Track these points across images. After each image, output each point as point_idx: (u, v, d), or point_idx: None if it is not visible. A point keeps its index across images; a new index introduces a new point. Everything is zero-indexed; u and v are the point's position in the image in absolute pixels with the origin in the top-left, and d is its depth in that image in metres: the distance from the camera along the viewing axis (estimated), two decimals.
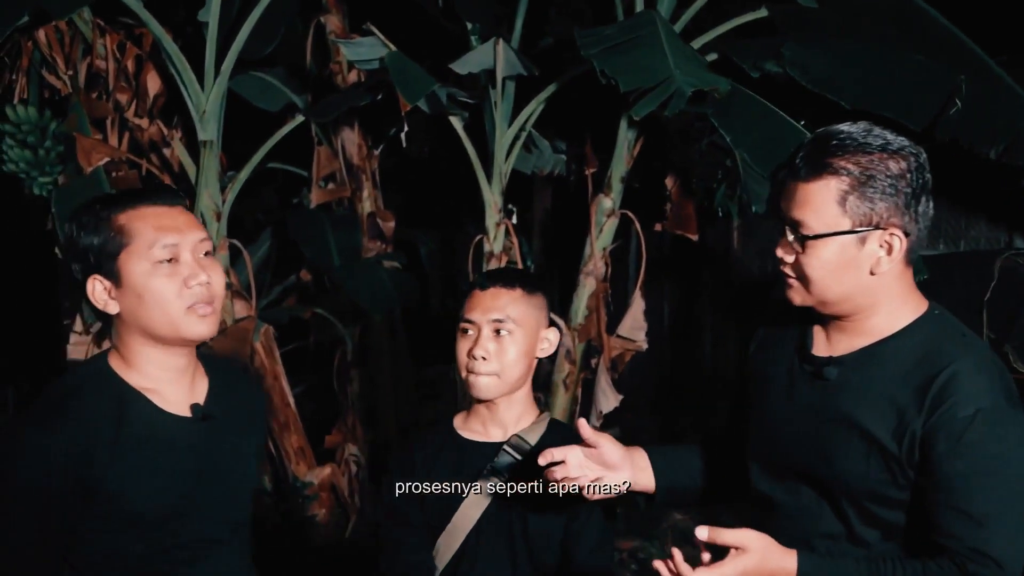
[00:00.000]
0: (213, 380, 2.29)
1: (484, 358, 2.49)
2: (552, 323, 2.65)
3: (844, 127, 2.04)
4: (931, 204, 2.04)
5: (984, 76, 4.38)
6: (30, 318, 9.15)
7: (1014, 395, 2.00)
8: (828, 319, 2.15)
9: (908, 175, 1.98)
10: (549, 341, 2.61)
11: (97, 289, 2.10)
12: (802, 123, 4.48)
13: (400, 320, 6.18)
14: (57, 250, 4.68)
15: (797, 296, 2.10)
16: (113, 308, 2.10)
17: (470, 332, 2.54)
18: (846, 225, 1.97)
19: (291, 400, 5.56)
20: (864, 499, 2.03)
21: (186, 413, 2.18)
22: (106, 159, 4.83)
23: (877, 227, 1.98)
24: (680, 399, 8.33)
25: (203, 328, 2.12)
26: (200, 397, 2.23)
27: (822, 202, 1.98)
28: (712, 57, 4.80)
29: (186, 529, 2.15)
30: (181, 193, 2.28)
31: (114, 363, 2.16)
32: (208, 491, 2.19)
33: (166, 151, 5.30)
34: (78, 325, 4.82)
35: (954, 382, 1.94)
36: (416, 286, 5.77)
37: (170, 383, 2.17)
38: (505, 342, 2.50)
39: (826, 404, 2.10)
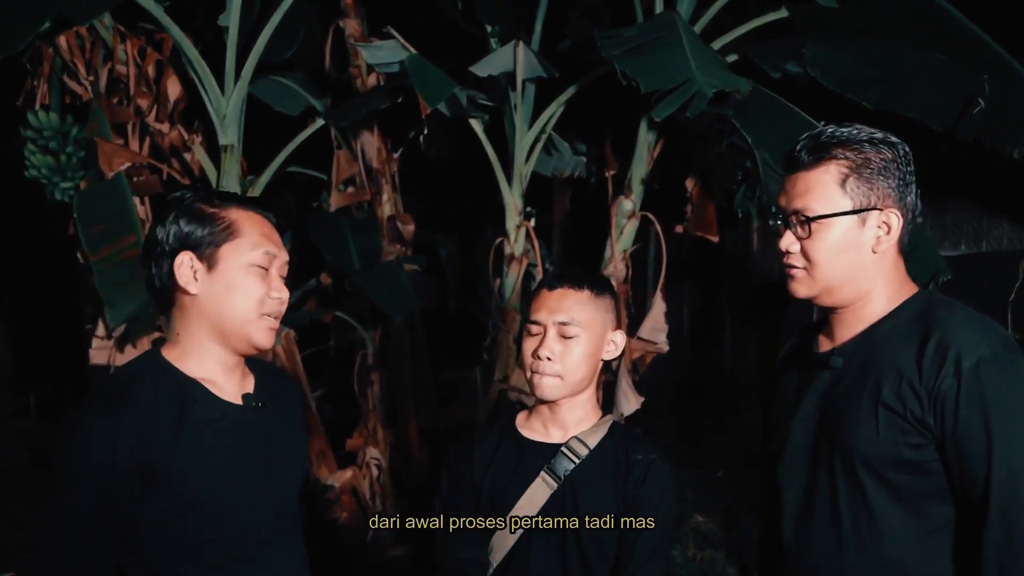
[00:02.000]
0: (258, 377, 2.37)
1: (548, 359, 2.47)
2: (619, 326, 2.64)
3: (832, 126, 2.19)
4: (918, 198, 2.17)
5: (1007, 76, 4.36)
6: (52, 323, 9.21)
7: (1011, 343, 2.06)
8: (828, 316, 2.25)
9: (897, 161, 2.12)
10: (615, 344, 2.59)
11: (185, 264, 2.16)
12: (823, 123, 4.46)
13: (420, 323, 6.19)
14: (79, 255, 4.70)
15: (802, 287, 2.19)
16: (194, 288, 2.17)
17: (536, 332, 2.52)
18: (848, 206, 2.10)
19: (312, 403, 5.57)
20: (877, 464, 2.08)
21: (239, 402, 2.25)
22: (127, 164, 4.85)
23: (875, 208, 2.10)
24: (700, 401, 8.33)
25: (268, 338, 2.23)
26: (250, 390, 2.31)
27: (825, 185, 2.12)
28: (732, 58, 4.80)
29: (243, 517, 2.20)
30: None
31: (169, 356, 2.21)
32: (263, 480, 2.25)
33: (187, 155, 5.32)
34: (100, 330, 4.83)
35: (950, 338, 2.02)
36: (436, 289, 5.77)
37: (224, 376, 2.24)
38: (570, 344, 2.48)
39: (836, 387, 2.18)
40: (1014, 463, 1.95)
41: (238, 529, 2.19)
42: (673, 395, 8.35)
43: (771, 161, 4.37)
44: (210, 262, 2.17)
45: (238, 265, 2.17)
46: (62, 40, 5.03)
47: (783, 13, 4.85)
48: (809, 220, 2.11)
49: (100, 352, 4.84)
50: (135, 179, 5.00)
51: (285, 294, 2.24)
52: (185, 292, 2.18)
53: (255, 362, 2.42)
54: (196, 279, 2.17)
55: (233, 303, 2.17)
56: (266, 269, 2.21)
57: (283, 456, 2.34)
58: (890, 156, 2.11)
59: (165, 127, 5.25)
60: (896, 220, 2.10)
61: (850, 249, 2.11)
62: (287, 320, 5.52)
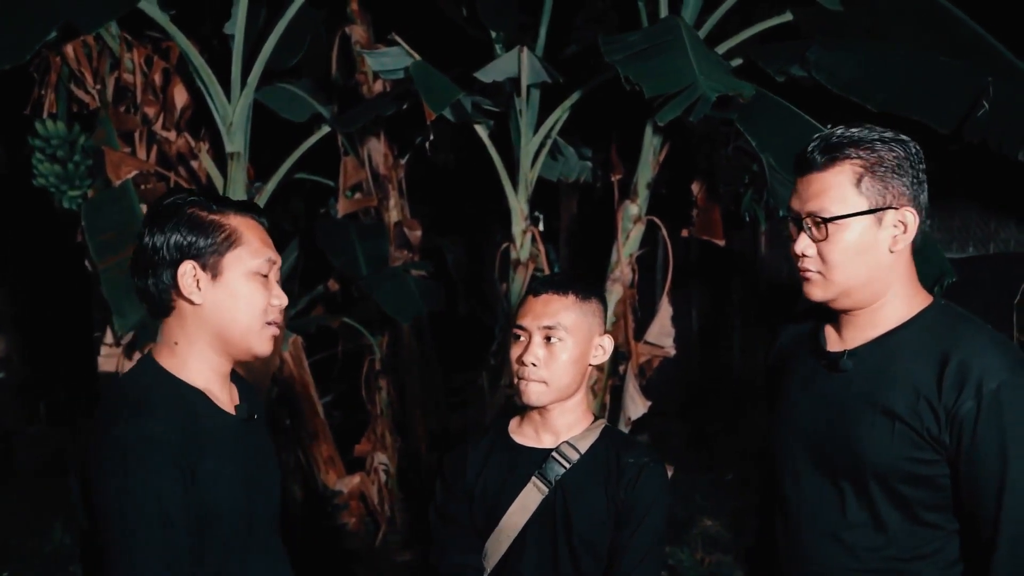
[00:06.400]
0: (239, 387, 2.32)
1: (534, 364, 2.45)
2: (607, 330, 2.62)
3: (842, 127, 2.17)
4: (927, 197, 2.15)
5: (1012, 77, 4.36)
6: (61, 331, 9.23)
7: None
8: (839, 316, 2.22)
9: (910, 159, 2.10)
10: (603, 348, 2.57)
11: (188, 274, 2.11)
12: (828, 127, 4.46)
13: (428, 328, 6.20)
14: (87, 263, 4.72)
15: (818, 290, 2.16)
16: (198, 298, 2.12)
17: (521, 338, 2.50)
18: (864, 206, 2.07)
19: (320, 409, 5.59)
20: (888, 476, 2.07)
21: (233, 412, 2.22)
22: (134, 172, 4.88)
23: (891, 207, 2.08)
24: (709, 404, 8.32)
25: (269, 346, 2.21)
26: (237, 400, 2.27)
27: (840, 186, 2.09)
28: (737, 62, 4.80)
29: (242, 531, 2.15)
30: None
31: (167, 364, 2.16)
32: (256, 492, 2.20)
33: (194, 163, 5.35)
34: (108, 337, 4.86)
35: (972, 359, 2.01)
36: (443, 294, 5.78)
37: (218, 386, 2.20)
38: (556, 349, 2.46)
39: (845, 392, 2.16)
40: None
41: (236, 542, 2.13)
42: (682, 398, 8.35)
43: (776, 164, 4.36)
44: (214, 271, 2.13)
45: (241, 273, 2.14)
46: (69, 49, 5.06)
47: (788, 17, 4.85)
48: (825, 221, 2.09)
49: (108, 359, 4.86)
50: (142, 187, 5.03)
51: (284, 300, 2.21)
52: (188, 301, 2.13)
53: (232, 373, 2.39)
54: (199, 288, 2.12)
55: (237, 312, 2.14)
56: (267, 276, 2.18)
57: (268, 466, 2.31)
58: (903, 154, 2.09)
59: (172, 135, 5.27)
60: (912, 218, 2.08)
61: (867, 249, 2.09)
62: (295, 326, 5.55)
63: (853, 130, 2.13)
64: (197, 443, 2.04)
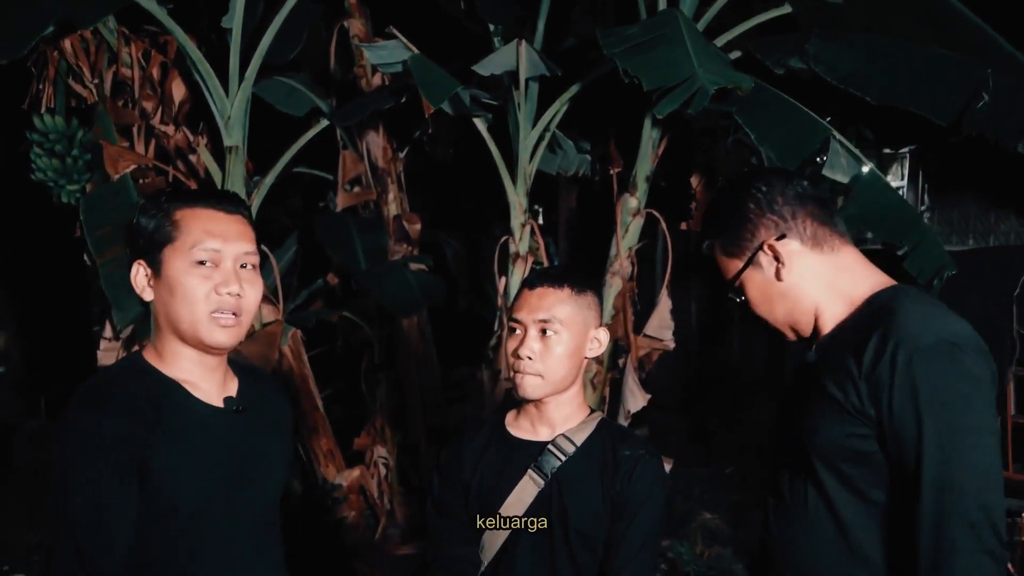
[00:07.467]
0: (242, 381, 2.32)
1: (529, 358, 2.46)
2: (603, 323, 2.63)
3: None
4: (800, 201, 2.22)
5: (1011, 70, 4.35)
6: (61, 325, 9.24)
7: (960, 336, 2.04)
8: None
9: (746, 200, 2.24)
10: (599, 341, 2.58)
11: (139, 274, 2.17)
12: (827, 119, 4.46)
13: (427, 322, 6.20)
14: (86, 257, 4.72)
15: (783, 334, 2.32)
16: (148, 295, 2.17)
17: (517, 331, 2.51)
18: (738, 265, 2.25)
19: (319, 403, 5.59)
20: (833, 457, 2.12)
21: (220, 405, 2.21)
22: (133, 166, 4.87)
23: (757, 250, 2.22)
24: (708, 398, 8.32)
25: (221, 337, 2.15)
26: (232, 393, 2.27)
27: (721, 263, 2.30)
28: (736, 55, 4.79)
29: (216, 524, 2.14)
30: (245, 202, 2.30)
31: (149, 358, 2.19)
32: (239, 486, 2.19)
33: (192, 157, 5.33)
34: (107, 331, 4.85)
35: (892, 330, 2.04)
36: (442, 288, 5.78)
37: (202, 378, 2.20)
38: (551, 342, 2.47)
39: (808, 383, 2.22)
40: (944, 446, 1.97)
41: (210, 537, 2.14)
42: (681, 392, 8.35)
43: (775, 157, 4.36)
44: (156, 267, 2.15)
45: (178, 267, 2.13)
46: (67, 43, 5.05)
47: (786, 9, 4.85)
48: (731, 293, 2.29)
49: (108, 353, 4.86)
50: (141, 181, 5.01)
51: (234, 288, 2.14)
52: (144, 299, 2.19)
53: (244, 367, 2.39)
54: (150, 286, 2.16)
55: (176, 305, 2.13)
56: (210, 264, 2.14)
57: (263, 464, 2.27)
58: (735, 203, 2.24)
59: (170, 129, 5.26)
60: (780, 244, 2.18)
61: (768, 291, 2.24)
62: (294, 320, 5.55)
63: (709, 211, 2.36)
64: (155, 436, 2.04)
